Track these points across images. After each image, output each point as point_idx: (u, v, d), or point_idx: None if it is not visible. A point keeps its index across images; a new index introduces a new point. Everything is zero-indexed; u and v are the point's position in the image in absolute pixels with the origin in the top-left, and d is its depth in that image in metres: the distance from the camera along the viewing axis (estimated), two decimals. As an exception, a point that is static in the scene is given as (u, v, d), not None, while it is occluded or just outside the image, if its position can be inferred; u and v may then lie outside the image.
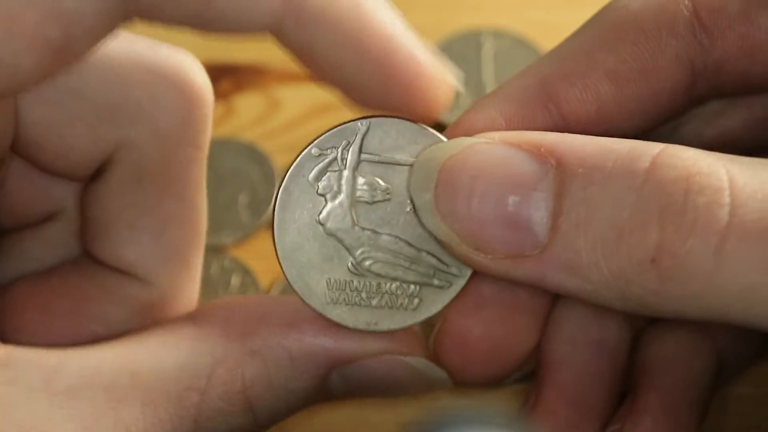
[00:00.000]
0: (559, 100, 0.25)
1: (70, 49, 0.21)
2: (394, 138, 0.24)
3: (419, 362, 0.26)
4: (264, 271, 0.36)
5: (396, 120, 0.24)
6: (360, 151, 0.24)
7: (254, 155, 0.39)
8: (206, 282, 0.35)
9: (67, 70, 0.23)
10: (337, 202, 0.24)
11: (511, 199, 0.22)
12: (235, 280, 0.36)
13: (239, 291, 0.35)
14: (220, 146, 0.39)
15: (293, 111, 0.40)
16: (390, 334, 0.25)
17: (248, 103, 0.41)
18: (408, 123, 0.24)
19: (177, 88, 0.25)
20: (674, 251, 0.20)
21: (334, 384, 0.25)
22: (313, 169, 0.24)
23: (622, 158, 0.21)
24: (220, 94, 0.41)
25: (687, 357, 0.27)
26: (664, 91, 0.25)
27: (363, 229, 0.24)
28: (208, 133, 0.27)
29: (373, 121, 0.24)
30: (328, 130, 0.24)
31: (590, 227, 0.21)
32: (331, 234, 0.24)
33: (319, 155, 0.24)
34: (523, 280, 0.23)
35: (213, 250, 0.36)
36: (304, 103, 0.41)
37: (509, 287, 0.25)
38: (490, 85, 0.40)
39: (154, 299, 0.26)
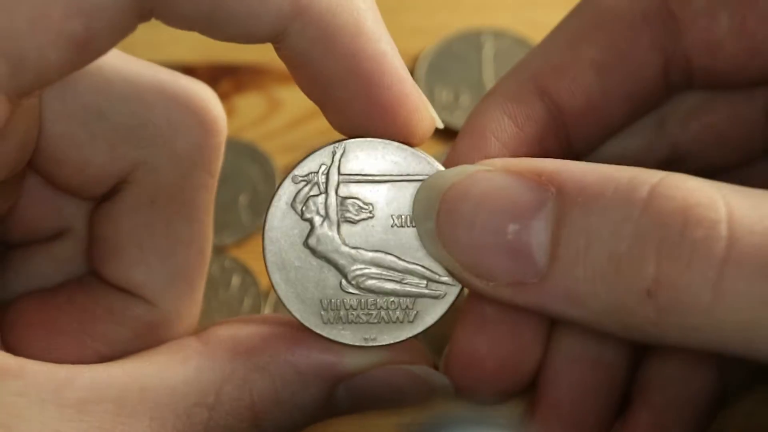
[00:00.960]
0: (551, 93, 0.26)
1: (92, 43, 0.22)
2: (369, 156, 0.25)
3: (422, 370, 0.26)
4: (264, 271, 0.36)
5: (370, 140, 0.25)
6: (339, 172, 0.25)
7: (254, 155, 0.39)
8: (206, 282, 0.35)
9: (87, 65, 0.23)
10: (323, 224, 0.25)
11: (511, 228, 0.22)
12: (235, 280, 0.36)
13: (239, 291, 0.35)
14: (220, 146, 0.39)
15: (293, 111, 0.41)
16: (392, 345, 0.25)
17: (248, 103, 0.41)
18: (382, 141, 0.25)
19: (195, 115, 0.26)
20: (671, 284, 0.20)
21: (339, 397, 0.25)
22: (295, 195, 0.25)
23: (621, 187, 0.21)
24: (220, 94, 0.41)
25: (685, 376, 0.27)
26: (644, 78, 0.26)
27: (352, 247, 0.25)
28: (220, 162, 0.27)
29: (348, 143, 0.25)
30: (305, 157, 0.25)
31: (589, 257, 0.21)
32: (321, 256, 0.25)
33: (300, 181, 0.25)
34: (525, 307, 0.23)
35: (213, 250, 0.36)
36: (304, 104, 0.40)
37: (511, 307, 0.25)
38: (490, 85, 0.40)
39: (158, 321, 0.27)
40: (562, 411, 0.26)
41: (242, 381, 0.24)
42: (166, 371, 0.23)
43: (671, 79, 0.27)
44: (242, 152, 0.39)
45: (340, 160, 0.25)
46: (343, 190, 0.25)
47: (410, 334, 0.25)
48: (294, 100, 0.41)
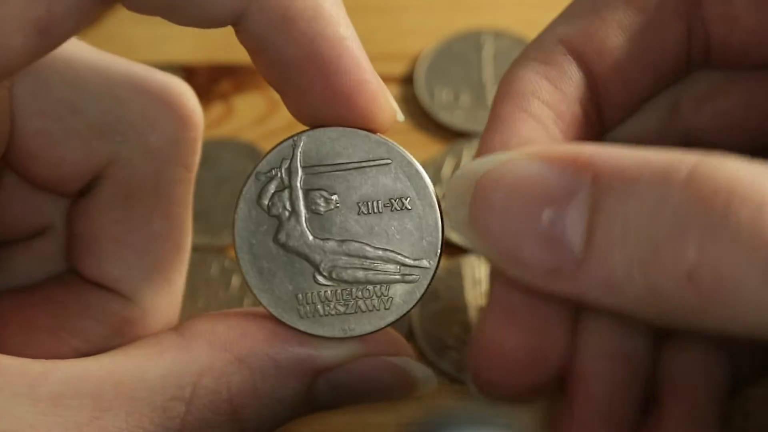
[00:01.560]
0: (581, 55, 0.25)
1: (54, 28, 0.22)
2: (329, 146, 0.25)
3: (402, 361, 0.26)
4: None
5: (326, 129, 0.25)
6: (300, 165, 0.25)
7: (254, 155, 0.39)
8: (206, 282, 0.36)
9: (51, 51, 0.23)
10: (290, 219, 0.25)
11: (546, 215, 0.21)
12: (235, 280, 0.36)
13: (239, 291, 0.35)
14: (220, 146, 0.39)
15: (293, 111, 0.40)
16: (371, 336, 0.25)
17: (248, 103, 0.41)
18: (339, 129, 0.25)
19: (169, 109, 0.26)
20: (714, 267, 0.19)
21: (320, 392, 0.25)
22: (260, 193, 0.25)
23: (659, 170, 0.20)
24: (220, 94, 0.41)
25: (707, 367, 0.27)
26: (668, 44, 0.26)
27: (322, 240, 0.25)
28: (197, 156, 0.27)
29: (305, 135, 0.25)
30: (265, 154, 0.25)
31: (626, 242, 0.21)
32: (291, 251, 0.25)
33: (263, 178, 0.25)
34: (563, 296, 0.22)
35: (213, 250, 0.36)
36: (304, 104, 0.41)
37: (537, 297, 0.25)
38: (490, 85, 0.40)
39: (135, 316, 0.27)
40: (599, 405, 0.26)
41: (220, 374, 0.24)
42: (143, 365, 0.23)
43: (692, 51, 0.26)
44: (242, 152, 0.39)
45: (300, 153, 0.25)
46: (307, 183, 0.25)
47: (388, 321, 0.25)
48: (294, 100, 0.41)
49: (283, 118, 0.40)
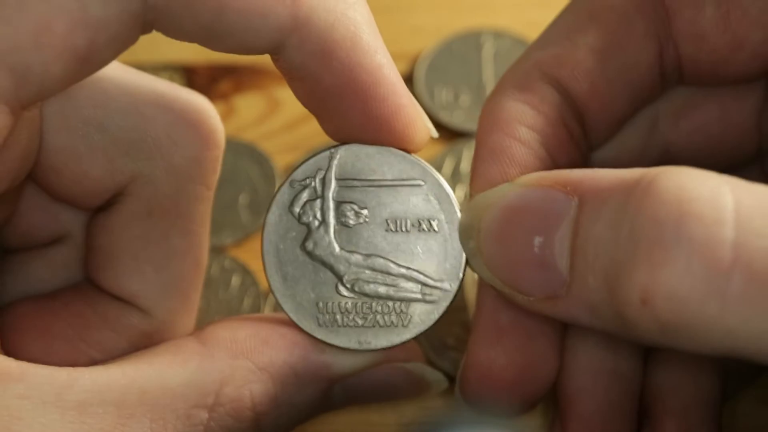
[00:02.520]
0: (557, 80, 0.26)
1: (95, 57, 0.22)
2: (365, 161, 0.25)
3: (416, 366, 0.26)
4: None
5: (362, 146, 0.25)
6: (334, 177, 0.25)
7: (254, 155, 0.39)
8: (206, 282, 0.35)
9: (89, 76, 0.24)
10: (319, 228, 0.25)
11: (536, 241, 0.22)
12: (235, 280, 0.36)
13: (239, 291, 0.35)
14: (220, 146, 0.39)
15: (293, 111, 0.41)
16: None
17: (248, 103, 0.41)
18: (378, 147, 0.25)
19: (193, 128, 0.26)
20: (668, 292, 0.18)
21: (336, 396, 0.25)
22: (293, 200, 0.25)
23: (627, 186, 0.20)
24: (220, 94, 0.41)
25: (693, 377, 0.27)
26: (641, 65, 0.26)
27: (348, 252, 0.25)
28: (217, 174, 0.28)
29: (343, 148, 0.25)
30: (302, 161, 0.25)
31: (597, 264, 0.20)
32: (317, 260, 0.25)
33: (297, 186, 0.25)
34: (563, 320, 0.23)
35: (213, 250, 0.36)
36: (304, 103, 0.41)
37: (525, 315, 0.26)
38: (490, 85, 0.40)
39: (152, 330, 0.27)
40: (592, 424, 0.26)
41: (242, 382, 0.24)
42: (166, 373, 0.23)
43: (665, 69, 0.27)
44: (242, 152, 0.39)
45: (336, 165, 0.25)
46: (340, 195, 0.25)
47: (404, 339, 0.25)
48: (294, 100, 0.40)
49: (283, 118, 0.40)
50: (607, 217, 0.20)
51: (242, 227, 0.37)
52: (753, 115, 0.28)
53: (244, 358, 0.24)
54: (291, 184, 0.25)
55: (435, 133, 0.26)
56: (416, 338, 0.34)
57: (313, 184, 0.25)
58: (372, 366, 0.25)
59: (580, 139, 0.27)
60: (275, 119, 0.40)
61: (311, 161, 0.25)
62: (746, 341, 0.18)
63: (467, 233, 0.24)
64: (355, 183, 0.25)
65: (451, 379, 0.33)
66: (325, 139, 0.40)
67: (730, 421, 0.31)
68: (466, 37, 0.42)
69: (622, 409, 0.27)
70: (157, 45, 0.44)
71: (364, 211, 0.25)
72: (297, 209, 0.25)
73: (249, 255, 0.36)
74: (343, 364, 0.25)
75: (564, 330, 0.27)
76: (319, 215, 0.25)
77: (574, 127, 0.26)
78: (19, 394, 0.22)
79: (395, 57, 0.44)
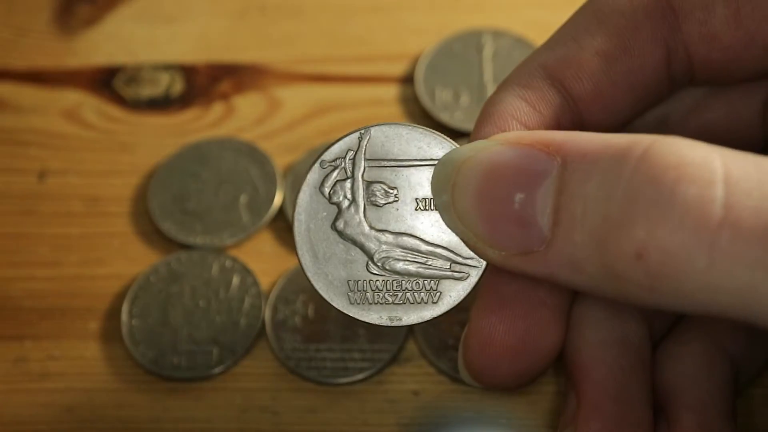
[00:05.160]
0: (561, 80, 0.26)
1: None
2: (394, 142, 0.26)
3: None
4: (264, 271, 0.36)
5: (395, 125, 0.26)
6: (365, 158, 0.26)
7: (254, 155, 0.39)
8: (206, 282, 0.36)
9: None
10: (349, 208, 0.26)
11: (518, 197, 0.22)
12: (235, 280, 0.36)
13: (239, 291, 0.35)
14: (220, 146, 0.39)
15: (293, 111, 0.41)
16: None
17: (248, 103, 0.41)
18: (407, 126, 0.26)
19: None
20: (661, 247, 0.20)
21: None
22: (323, 180, 0.26)
23: (618, 151, 0.21)
24: (220, 94, 0.41)
25: (706, 370, 0.28)
26: (647, 67, 0.27)
27: (377, 230, 0.26)
28: None
29: (373, 129, 0.26)
30: (332, 143, 0.26)
31: (585, 222, 0.21)
32: (348, 239, 0.26)
33: (327, 166, 0.26)
34: (535, 276, 0.23)
35: (213, 250, 0.36)
36: (304, 104, 0.41)
37: (528, 284, 0.26)
38: (490, 85, 0.40)
39: None
40: (608, 389, 0.27)
41: None
42: None
43: (674, 72, 0.27)
44: (242, 152, 0.39)
45: (366, 145, 0.26)
46: (369, 175, 0.26)
47: (434, 315, 0.26)
48: (294, 100, 0.41)
49: (283, 118, 0.40)
50: (599, 178, 0.21)
51: (242, 227, 0.37)
52: (759, 111, 0.28)
53: None
54: (321, 165, 0.26)
55: None
56: (414, 338, 0.34)
57: (343, 164, 0.26)
58: None
59: None
60: (275, 119, 0.40)
61: (341, 141, 0.26)
62: (730, 296, 0.19)
63: (440, 187, 0.25)
64: (385, 163, 0.26)
65: (453, 379, 0.33)
66: (325, 139, 0.40)
67: (746, 418, 0.31)
68: (466, 37, 0.42)
69: (636, 376, 0.27)
70: (157, 45, 0.44)
71: (394, 191, 0.26)
72: (327, 189, 0.26)
73: (249, 255, 0.36)
74: None
75: (569, 303, 0.27)
76: (349, 195, 0.26)
77: (572, 128, 0.27)
78: None
79: (395, 57, 0.45)
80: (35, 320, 0.35)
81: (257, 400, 0.33)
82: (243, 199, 0.38)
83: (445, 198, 0.24)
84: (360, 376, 0.33)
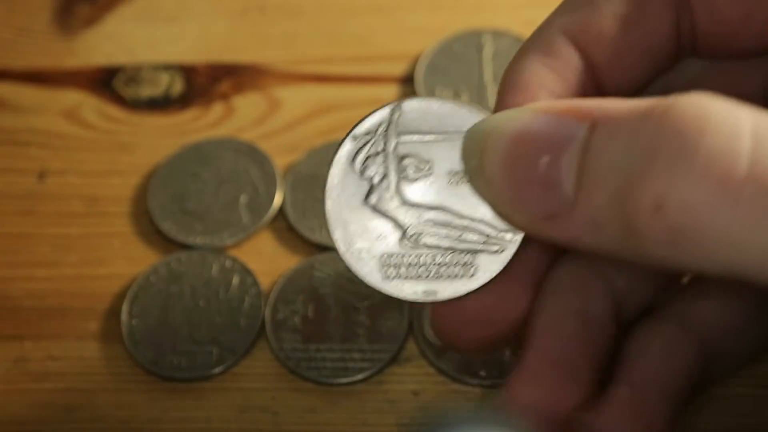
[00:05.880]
0: (580, 45, 0.26)
1: None
2: (426, 115, 0.25)
3: None
4: (264, 271, 0.36)
5: (426, 99, 0.25)
6: (397, 131, 0.25)
7: (254, 155, 0.39)
8: (206, 282, 0.36)
9: None
10: (382, 183, 0.25)
11: (544, 160, 0.22)
12: (235, 280, 0.36)
13: (239, 291, 0.35)
14: (220, 146, 0.39)
15: (293, 111, 0.41)
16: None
17: (248, 103, 0.41)
18: (438, 100, 0.25)
19: None
20: (682, 199, 0.19)
21: None
22: (354, 154, 0.25)
23: (645, 110, 0.21)
24: (220, 94, 0.41)
25: (667, 351, 0.28)
26: (661, 31, 0.26)
27: (411, 205, 0.25)
28: None
29: (405, 102, 0.25)
30: (363, 118, 0.25)
31: (607, 180, 0.21)
32: (381, 214, 0.25)
33: (359, 140, 0.25)
34: (562, 242, 0.23)
35: (213, 250, 0.36)
36: (304, 104, 0.41)
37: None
38: (490, 85, 0.40)
39: None
40: (549, 356, 0.27)
41: None
42: None
43: (681, 39, 0.27)
44: (242, 152, 0.39)
45: (399, 119, 0.25)
46: (402, 149, 0.25)
47: (470, 289, 0.25)
48: (294, 100, 0.41)
49: (283, 118, 0.40)
50: (623, 136, 0.21)
51: (242, 227, 0.37)
52: (761, 88, 0.28)
53: None
54: (353, 139, 0.25)
55: None
56: (414, 337, 0.34)
57: (374, 138, 0.25)
58: None
59: None
60: (275, 119, 0.40)
61: (374, 116, 0.25)
62: (753, 255, 0.19)
63: (471, 152, 0.24)
64: (417, 137, 0.25)
65: (453, 379, 0.33)
66: (326, 139, 0.40)
67: (747, 418, 0.31)
68: (466, 37, 0.42)
69: (586, 349, 0.27)
70: (157, 45, 0.44)
71: (427, 164, 0.25)
72: (359, 164, 0.25)
73: (249, 255, 0.36)
74: None
75: (538, 278, 0.27)
76: (381, 169, 0.25)
77: (594, 95, 0.27)
78: None
79: (395, 57, 0.45)
80: (35, 320, 0.35)
81: (257, 400, 0.33)
82: (243, 199, 0.38)
83: (475, 163, 0.24)
84: (360, 376, 0.33)
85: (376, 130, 0.25)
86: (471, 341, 0.27)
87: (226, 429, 0.33)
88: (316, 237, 0.36)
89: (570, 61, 0.26)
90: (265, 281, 0.36)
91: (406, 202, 0.25)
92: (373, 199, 0.25)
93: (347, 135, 0.25)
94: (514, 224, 0.24)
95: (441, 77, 0.41)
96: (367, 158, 0.25)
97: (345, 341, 0.34)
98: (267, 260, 0.36)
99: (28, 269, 0.37)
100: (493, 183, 0.24)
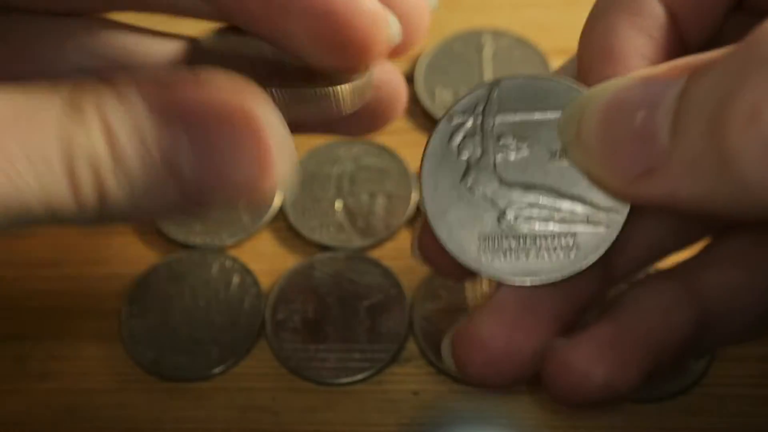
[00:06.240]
0: (666, 1, 0.25)
1: None
2: (524, 93, 0.25)
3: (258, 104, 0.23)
4: (264, 271, 0.36)
5: (526, 78, 0.25)
6: (495, 111, 0.25)
7: (254, 155, 0.39)
8: (206, 282, 0.36)
9: None
10: (479, 163, 0.25)
11: (639, 115, 0.22)
12: (235, 280, 0.36)
13: (239, 291, 0.35)
14: (220, 146, 0.39)
15: (293, 111, 0.40)
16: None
17: (248, 103, 0.41)
18: (538, 79, 0.25)
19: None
20: None
21: (181, 147, 0.23)
22: (451, 134, 0.25)
23: (735, 46, 0.20)
24: (220, 94, 0.41)
25: (664, 306, 0.27)
26: None
27: (509, 185, 0.25)
28: None
29: (504, 80, 0.25)
30: (461, 98, 0.25)
31: (701, 113, 0.20)
32: (478, 195, 0.25)
33: (456, 120, 0.25)
34: (660, 201, 0.22)
35: (213, 250, 0.36)
36: (304, 103, 0.41)
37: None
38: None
39: None
40: (517, 293, 0.26)
41: (93, 89, 0.22)
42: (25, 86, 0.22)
43: None
44: (242, 152, 0.39)
45: (496, 98, 0.25)
46: (500, 128, 0.25)
47: (574, 270, 0.24)
48: (294, 100, 0.41)
49: (283, 118, 0.40)
50: (717, 70, 0.20)
51: (242, 227, 0.37)
52: None
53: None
54: (450, 119, 0.25)
55: (434, 3, 0.26)
56: (414, 337, 0.34)
57: (472, 118, 0.25)
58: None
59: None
60: (275, 119, 0.40)
61: (471, 95, 0.25)
62: None
63: (569, 122, 0.24)
64: (516, 116, 0.25)
65: (453, 379, 0.33)
66: (326, 139, 0.40)
67: (747, 418, 0.31)
68: (466, 37, 0.42)
69: (561, 295, 0.26)
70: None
71: (525, 143, 0.25)
72: (456, 144, 0.25)
73: (249, 255, 0.36)
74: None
75: (564, 321, 0.27)
76: (479, 150, 0.25)
77: (677, 48, 0.26)
78: None
79: (395, 57, 0.44)
80: (35, 320, 0.35)
81: (257, 400, 0.33)
82: (243, 199, 0.38)
83: (572, 131, 0.24)
84: (360, 376, 0.33)
85: (473, 109, 0.25)
86: (494, 377, 0.26)
87: (226, 429, 0.33)
88: (316, 237, 0.36)
89: (658, 17, 0.25)
90: (265, 281, 0.36)
91: (504, 182, 0.25)
92: (470, 180, 0.25)
93: (444, 115, 0.25)
94: (612, 189, 0.23)
95: (441, 77, 0.41)
96: (464, 138, 0.25)
97: (345, 341, 0.34)
98: (267, 260, 0.36)
99: (28, 269, 0.37)
100: (589, 146, 0.23)
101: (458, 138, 0.25)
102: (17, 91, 0.21)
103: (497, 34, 0.42)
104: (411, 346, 0.34)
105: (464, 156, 0.25)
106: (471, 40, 0.42)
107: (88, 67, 0.27)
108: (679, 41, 0.26)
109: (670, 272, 0.28)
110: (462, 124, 0.25)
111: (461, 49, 0.42)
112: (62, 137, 0.21)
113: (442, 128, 0.25)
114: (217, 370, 0.34)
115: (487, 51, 0.41)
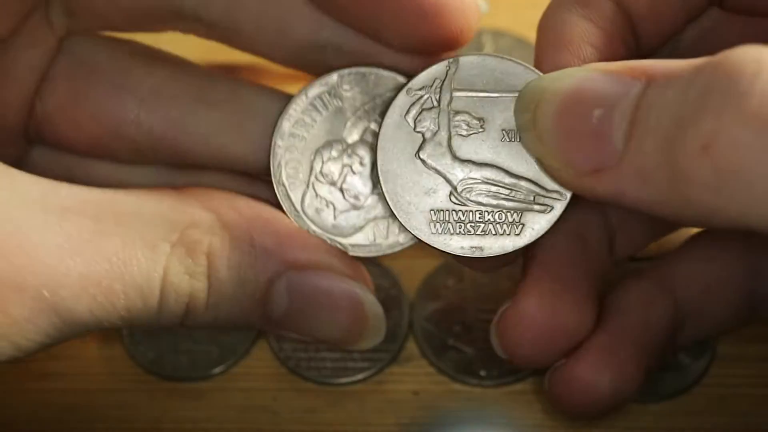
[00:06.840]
0: None
1: None
2: (481, 72, 0.26)
3: (361, 288, 0.26)
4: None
5: (483, 56, 0.26)
6: (451, 87, 0.26)
7: (254, 155, 0.39)
8: (206, 282, 0.36)
9: None
10: (434, 137, 0.25)
11: (597, 112, 0.22)
12: (235, 280, 0.36)
13: (239, 291, 0.35)
14: (220, 146, 0.39)
15: (293, 111, 0.40)
16: (341, 257, 0.26)
17: (248, 104, 0.41)
18: (494, 58, 0.26)
19: None
20: (731, 138, 0.19)
21: (277, 294, 0.26)
22: (408, 108, 0.26)
23: (699, 63, 0.21)
24: (220, 95, 0.41)
25: (643, 305, 0.28)
26: None
27: (462, 161, 0.25)
28: None
29: (462, 59, 0.26)
30: (419, 72, 0.26)
31: (658, 128, 0.21)
32: (431, 168, 0.25)
33: (414, 95, 0.26)
34: (606, 197, 0.23)
35: (213, 251, 0.36)
36: (304, 104, 0.41)
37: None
38: (490, 85, 0.40)
39: None
40: (550, 269, 0.27)
41: (206, 229, 0.25)
42: (142, 202, 0.25)
43: None
44: (242, 152, 0.39)
45: (453, 75, 0.26)
46: (456, 105, 0.25)
47: (516, 246, 0.25)
48: (294, 100, 0.41)
49: (283, 118, 0.40)
50: (677, 87, 0.21)
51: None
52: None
53: (212, 211, 0.25)
54: (408, 93, 0.26)
55: (485, 8, 0.27)
56: (414, 337, 0.34)
57: (429, 93, 0.26)
58: (324, 265, 0.26)
59: (633, 56, 0.27)
60: (275, 119, 0.40)
61: (429, 71, 0.26)
62: None
63: (524, 106, 0.25)
64: (471, 94, 0.26)
65: (453, 379, 0.33)
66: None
67: (747, 418, 0.31)
68: (466, 37, 0.42)
69: (584, 267, 0.28)
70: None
71: (480, 121, 0.25)
72: (412, 118, 0.26)
73: (249, 255, 0.36)
74: (298, 253, 0.26)
75: (597, 287, 0.28)
76: (434, 125, 0.25)
77: (631, 42, 0.27)
78: (6, 186, 0.23)
79: (395, 57, 0.44)
80: (35, 320, 0.35)
81: (257, 400, 0.33)
82: (243, 199, 0.38)
83: (527, 116, 0.24)
84: (360, 376, 0.33)
85: (431, 84, 0.26)
86: (542, 354, 0.27)
87: (226, 429, 0.33)
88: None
89: (606, 12, 0.26)
90: (265, 281, 0.36)
91: (457, 158, 0.25)
92: (425, 153, 0.25)
93: (401, 88, 0.26)
94: (561, 179, 0.24)
95: (441, 77, 0.41)
96: (420, 112, 0.26)
97: (345, 341, 0.34)
98: (267, 260, 0.36)
99: (28, 269, 0.37)
100: (544, 135, 0.24)
101: (415, 112, 0.26)
102: (130, 221, 0.24)
103: (497, 34, 0.42)
104: (411, 346, 0.34)
105: (420, 129, 0.26)
106: (471, 40, 0.42)
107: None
108: (631, 34, 0.27)
109: (645, 273, 0.30)
110: (419, 98, 0.26)
111: (461, 49, 0.41)
112: (167, 280, 0.24)
113: (400, 101, 0.26)
114: (217, 370, 0.34)
115: (487, 51, 0.41)
